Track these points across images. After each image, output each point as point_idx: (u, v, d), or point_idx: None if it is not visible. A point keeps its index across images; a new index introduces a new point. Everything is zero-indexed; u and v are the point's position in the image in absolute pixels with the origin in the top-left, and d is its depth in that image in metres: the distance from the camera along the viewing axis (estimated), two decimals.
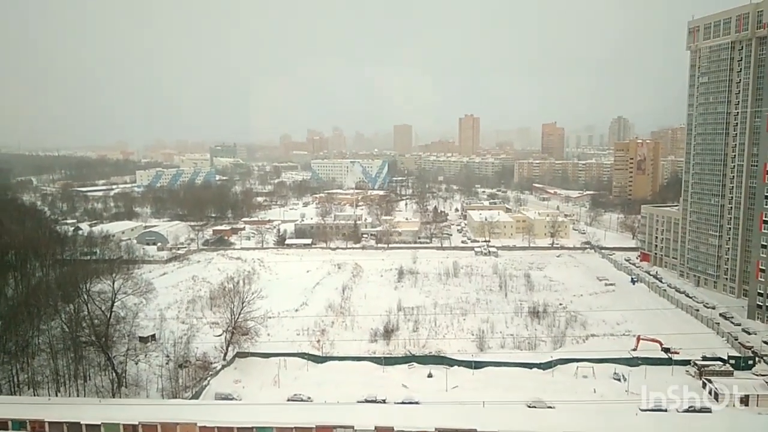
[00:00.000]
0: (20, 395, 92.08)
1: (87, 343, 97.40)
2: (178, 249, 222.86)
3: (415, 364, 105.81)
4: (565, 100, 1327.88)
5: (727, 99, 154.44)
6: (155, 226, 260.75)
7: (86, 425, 78.60)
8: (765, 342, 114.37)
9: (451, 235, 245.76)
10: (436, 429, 75.64)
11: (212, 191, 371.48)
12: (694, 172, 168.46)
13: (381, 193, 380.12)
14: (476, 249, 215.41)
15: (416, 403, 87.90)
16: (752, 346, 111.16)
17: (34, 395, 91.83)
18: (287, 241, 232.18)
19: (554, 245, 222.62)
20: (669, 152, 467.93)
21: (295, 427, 76.95)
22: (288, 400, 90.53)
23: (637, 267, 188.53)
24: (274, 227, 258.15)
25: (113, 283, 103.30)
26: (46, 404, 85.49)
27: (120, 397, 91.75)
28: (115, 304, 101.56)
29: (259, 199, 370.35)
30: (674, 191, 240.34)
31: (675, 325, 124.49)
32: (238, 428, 77.38)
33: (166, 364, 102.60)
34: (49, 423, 79.18)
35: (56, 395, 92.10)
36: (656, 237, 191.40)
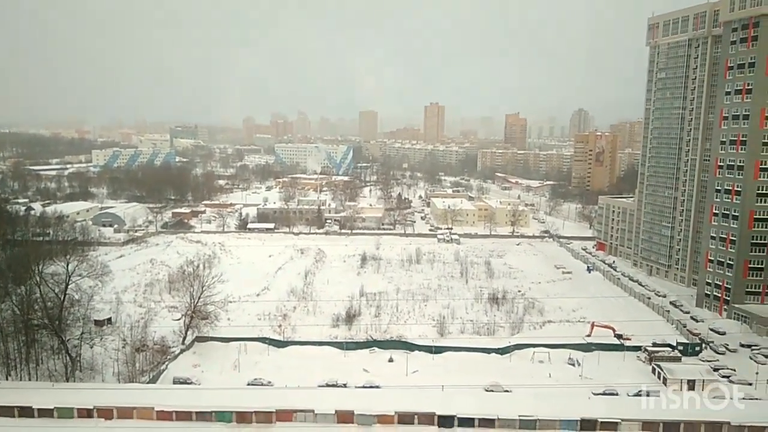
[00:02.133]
0: None
1: (39, 326, 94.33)
2: (136, 231, 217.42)
3: (376, 348, 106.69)
4: (529, 90, 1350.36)
5: (683, 95, 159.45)
6: (112, 207, 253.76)
7: (38, 409, 76.64)
8: (712, 329, 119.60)
9: (414, 222, 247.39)
10: (396, 412, 76.61)
11: (172, 173, 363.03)
12: (650, 164, 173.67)
13: (345, 178, 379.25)
14: (439, 236, 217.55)
15: (377, 387, 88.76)
16: (699, 333, 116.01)
17: None
18: (249, 226, 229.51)
19: (514, 233, 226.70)
20: (627, 145, 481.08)
21: (254, 411, 76.72)
22: (248, 384, 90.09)
23: (593, 256, 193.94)
24: (236, 211, 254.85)
25: (67, 265, 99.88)
26: None
27: (74, 381, 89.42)
28: (70, 286, 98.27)
29: (221, 182, 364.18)
30: (630, 183, 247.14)
31: (628, 312, 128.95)
32: (196, 412, 76.74)
33: (123, 348, 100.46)
34: (0, 407, 76.72)
35: (6, 379, 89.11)
36: (612, 227, 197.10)
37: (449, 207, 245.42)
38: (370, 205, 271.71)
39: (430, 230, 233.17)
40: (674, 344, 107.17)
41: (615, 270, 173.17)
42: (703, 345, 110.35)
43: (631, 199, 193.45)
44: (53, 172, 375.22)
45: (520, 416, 75.80)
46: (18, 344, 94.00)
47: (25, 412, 76.51)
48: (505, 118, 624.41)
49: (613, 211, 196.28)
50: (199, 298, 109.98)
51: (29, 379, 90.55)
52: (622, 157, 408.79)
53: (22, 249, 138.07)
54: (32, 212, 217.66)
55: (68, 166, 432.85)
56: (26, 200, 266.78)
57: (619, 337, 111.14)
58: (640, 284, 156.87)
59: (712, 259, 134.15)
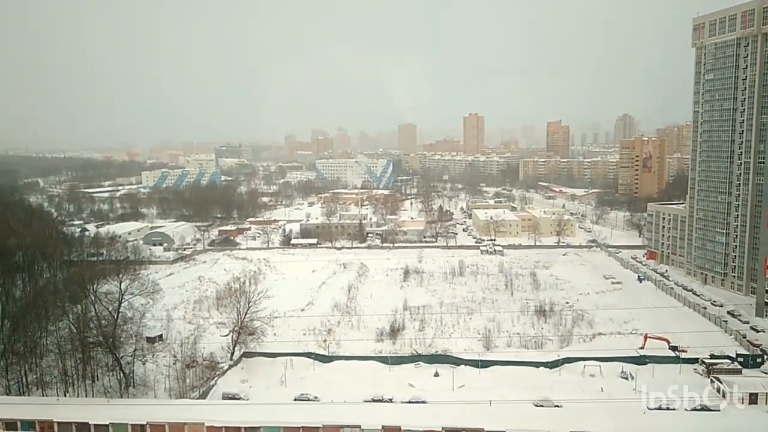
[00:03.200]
0: (29, 395, 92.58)
1: (95, 343, 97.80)
2: (184, 249, 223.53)
3: (421, 363, 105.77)
4: (571, 98, 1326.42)
5: (733, 96, 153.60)
6: (161, 226, 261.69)
7: (95, 425, 79.05)
8: None
9: (456, 234, 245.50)
10: (443, 428, 75.67)
11: (217, 192, 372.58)
12: (701, 169, 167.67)
13: (386, 192, 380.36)
14: (482, 248, 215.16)
15: (423, 402, 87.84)
16: (760, 344, 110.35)
17: (43, 395, 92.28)
18: (293, 241, 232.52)
19: (560, 243, 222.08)
20: (675, 149, 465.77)
21: (302, 427, 77.11)
22: (295, 399, 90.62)
23: (644, 265, 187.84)
24: (280, 227, 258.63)
25: (120, 284, 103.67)
26: (55, 404, 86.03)
27: (128, 397, 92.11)
28: (122, 304, 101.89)
29: (265, 199, 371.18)
30: (680, 189, 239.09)
31: (682, 323, 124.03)
32: (245, 428, 77.62)
33: (174, 364, 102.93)
34: (58, 423, 79.70)
35: (65, 395, 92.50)
36: (663, 235, 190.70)
37: (491, 218, 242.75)
38: (411, 218, 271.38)
39: (474, 242, 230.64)
40: (734, 356, 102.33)
41: (667, 279, 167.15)
42: (765, 356, 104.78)
43: (682, 205, 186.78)
44: (106, 194, 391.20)
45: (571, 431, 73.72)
46: (75, 361, 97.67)
47: (82, 428, 79.13)
48: (546, 126, 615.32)
49: (664, 219, 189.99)
50: (246, 314, 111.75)
51: (86, 395, 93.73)
52: (670, 162, 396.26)
53: (78, 269, 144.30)
54: (87, 233, 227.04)
55: (120, 188, 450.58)
56: (81, 222, 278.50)
57: (674, 349, 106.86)
58: (694, 294, 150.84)
59: None
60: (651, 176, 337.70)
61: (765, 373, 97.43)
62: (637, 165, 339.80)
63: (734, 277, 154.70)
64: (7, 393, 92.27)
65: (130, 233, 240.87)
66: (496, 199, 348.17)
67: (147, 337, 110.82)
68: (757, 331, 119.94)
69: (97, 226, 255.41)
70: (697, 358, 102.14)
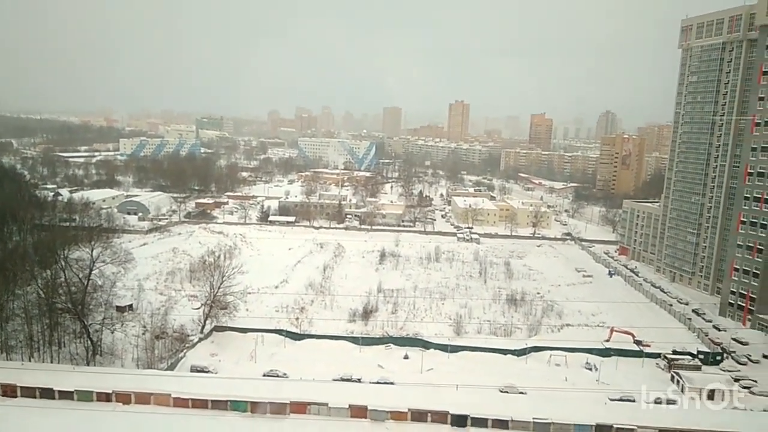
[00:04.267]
0: None
1: (63, 309, 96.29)
2: (160, 220, 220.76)
3: (392, 345, 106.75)
4: (555, 91, 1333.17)
5: (715, 99, 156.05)
6: (137, 195, 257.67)
7: (59, 391, 78.28)
8: (734, 339, 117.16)
9: (435, 219, 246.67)
10: (409, 409, 76.63)
11: (196, 163, 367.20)
12: (677, 169, 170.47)
13: (367, 174, 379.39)
14: (459, 235, 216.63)
15: (391, 383, 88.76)
16: (722, 343, 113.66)
17: (7, 359, 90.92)
18: (270, 218, 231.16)
19: (536, 235, 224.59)
20: (654, 149, 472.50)
21: (269, 402, 77.38)
22: (264, 375, 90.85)
23: (615, 260, 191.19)
24: (258, 203, 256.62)
25: (92, 251, 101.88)
26: (19, 369, 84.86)
27: (94, 365, 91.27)
28: (93, 272, 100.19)
29: (244, 174, 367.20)
30: (657, 188, 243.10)
31: (648, 318, 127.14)
32: (212, 400, 77.65)
33: (143, 334, 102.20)
34: (21, 387, 78.69)
35: (29, 360, 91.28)
36: (636, 232, 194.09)
37: (470, 206, 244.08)
38: (391, 201, 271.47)
39: (451, 229, 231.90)
40: (695, 353, 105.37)
41: (637, 275, 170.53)
42: (725, 355, 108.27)
43: (657, 204, 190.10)
44: (81, 159, 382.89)
45: (534, 419, 75.23)
46: (42, 327, 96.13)
47: (46, 393, 78.28)
48: (530, 119, 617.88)
49: (638, 216, 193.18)
50: (219, 288, 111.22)
51: (51, 362, 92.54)
52: (648, 161, 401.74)
53: (49, 234, 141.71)
54: (60, 198, 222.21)
55: (96, 153, 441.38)
56: (54, 186, 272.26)
57: (638, 343, 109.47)
58: (662, 291, 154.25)
59: (738, 267, 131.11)
60: (629, 173, 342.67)
61: (724, 370, 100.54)
62: (616, 162, 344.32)
63: (701, 276, 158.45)
64: None
65: (104, 200, 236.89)
66: (476, 188, 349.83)
67: (117, 306, 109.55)
68: (719, 330, 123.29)
69: (70, 191, 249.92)
70: (660, 353, 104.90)
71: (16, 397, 78.20)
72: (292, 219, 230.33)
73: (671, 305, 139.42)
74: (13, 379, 79.67)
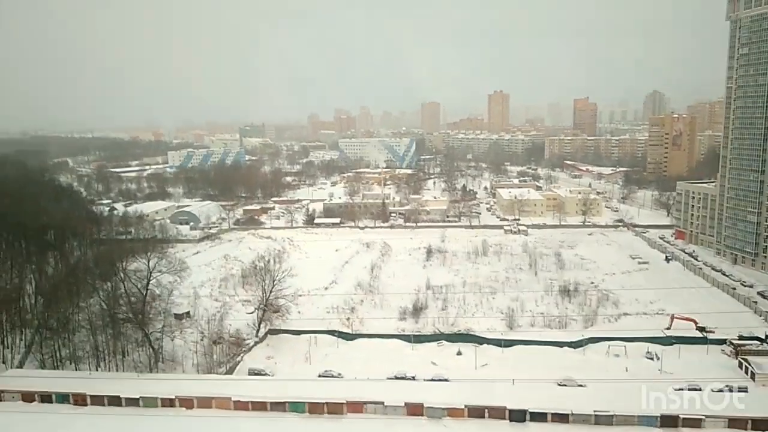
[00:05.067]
0: (63, 369, 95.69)
1: (124, 319, 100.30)
2: (210, 228, 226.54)
3: (444, 342, 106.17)
4: (599, 73, 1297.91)
5: None
6: (187, 206, 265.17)
7: (125, 398, 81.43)
8: None
9: (479, 213, 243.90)
10: (465, 405, 76.05)
11: (242, 171, 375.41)
12: (733, 147, 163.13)
13: (409, 171, 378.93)
14: (505, 227, 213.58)
15: (445, 380, 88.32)
16: None
17: (76, 370, 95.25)
18: (316, 221, 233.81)
19: (586, 223, 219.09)
20: (706, 127, 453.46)
21: (326, 402, 78.29)
22: (319, 376, 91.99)
23: (672, 245, 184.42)
24: (303, 207, 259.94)
25: (148, 262, 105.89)
26: (88, 378, 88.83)
27: (157, 372, 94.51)
28: (151, 282, 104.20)
29: (288, 178, 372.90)
30: (711, 167, 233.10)
31: (711, 304, 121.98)
32: (271, 402, 79.13)
33: (201, 340, 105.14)
34: (91, 396, 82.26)
35: (96, 370, 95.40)
36: (692, 214, 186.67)
37: (515, 197, 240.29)
38: (435, 197, 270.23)
39: (498, 222, 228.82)
40: (763, 337, 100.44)
41: (696, 259, 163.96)
42: None
43: (713, 184, 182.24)
44: (133, 174, 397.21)
45: (595, 411, 73.42)
46: (106, 337, 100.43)
47: (114, 401, 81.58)
48: (573, 104, 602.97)
49: (693, 198, 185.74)
50: (270, 291, 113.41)
51: (117, 370, 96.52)
52: (701, 140, 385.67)
53: (107, 247, 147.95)
54: (115, 212, 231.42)
55: (146, 167, 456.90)
56: (109, 201, 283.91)
57: (701, 329, 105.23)
58: (723, 274, 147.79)
59: None
60: (681, 154, 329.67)
61: None
62: (666, 143, 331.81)
63: (765, 257, 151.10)
64: (42, 367, 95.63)
65: (157, 212, 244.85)
66: (521, 178, 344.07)
67: (175, 314, 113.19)
68: None
69: (125, 206, 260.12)
70: (725, 339, 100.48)
71: (86, 405, 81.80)
72: (337, 220, 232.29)
73: (734, 289, 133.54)
74: (83, 388, 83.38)
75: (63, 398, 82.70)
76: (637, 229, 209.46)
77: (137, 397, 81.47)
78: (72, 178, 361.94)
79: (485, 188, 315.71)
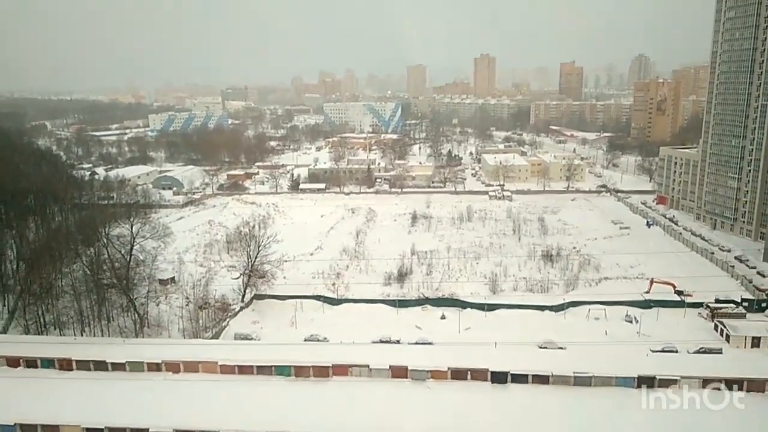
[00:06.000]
0: (47, 335, 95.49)
1: (109, 285, 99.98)
2: (194, 193, 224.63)
3: (428, 306, 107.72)
4: (585, 37, 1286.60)
5: (754, 35, 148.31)
6: (170, 170, 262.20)
7: (112, 363, 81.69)
8: None
9: (465, 179, 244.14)
10: (448, 368, 77.48)
11: (225, 135, 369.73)
12: (716, 112, 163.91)
13: (394, 136, 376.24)
14: (490, 193, 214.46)
15: (429, 343, 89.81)
16: (766, 289, 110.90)
17: (60, 335, 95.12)
18: (301, 186, 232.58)
19: (569, 189, 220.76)
20: (691, 92, 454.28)
21: (312, 366, 79.27)
22: (305, 340, 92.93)
23: (653, 210, 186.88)
24: (288, 172, 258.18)
25: (131, 227, 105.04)
26: (73, 343, 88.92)
27: (143, 337, 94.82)
28: (134, 247, 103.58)
29: (272, 143, 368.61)
30: (695, 133, 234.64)
31: (689, 268, 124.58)
32: (257, 366, 79.95)
33: (186, 305, 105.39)
34: (76, 361, 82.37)
35: (81, 335, 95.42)
36: (674, 180, 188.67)
37: (501, 163, 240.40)
38: (420, 163, 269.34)
39: (483, 188, 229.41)
40: (738, 300, 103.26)
41: (676, 224, 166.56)
42: None
43: (695, 149, 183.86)
44: (113, 137, 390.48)
45: (575, 373, 75.26)
46: (90, 302, 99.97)
47: (100, 365, 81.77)
48: (559, 68, 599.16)
49: (676, 163, 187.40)
50: (255, 257, 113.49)
51: (102, 335, 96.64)
52: (685, 105, 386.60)
53: (89, 212, 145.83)
54: (96, 177, 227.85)
55: (127, 131, 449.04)
56: (90, 165, 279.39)
57: (679, 293, 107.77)
58: (703, 239, 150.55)
59: None
60: (665, 119, 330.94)
61: None
62: (651, 108, 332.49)
63: (744, 222, 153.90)
64: (26, 332, 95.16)
65: (139, 177, 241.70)
66: (506, 144, 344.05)
67: (159, 280, 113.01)
68: (764, 276, 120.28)
69: (106, 170, 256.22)
70: (702, 303, 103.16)
71: (72, 370, 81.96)
72: (322, 186, 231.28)
73: (713, 253, 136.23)
74: (68, 354, 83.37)
75: (48, 363, 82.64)
76: (619, 194, 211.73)
77: (123, 361, 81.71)
78: (51, 142, 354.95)
79: (471, 154, 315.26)
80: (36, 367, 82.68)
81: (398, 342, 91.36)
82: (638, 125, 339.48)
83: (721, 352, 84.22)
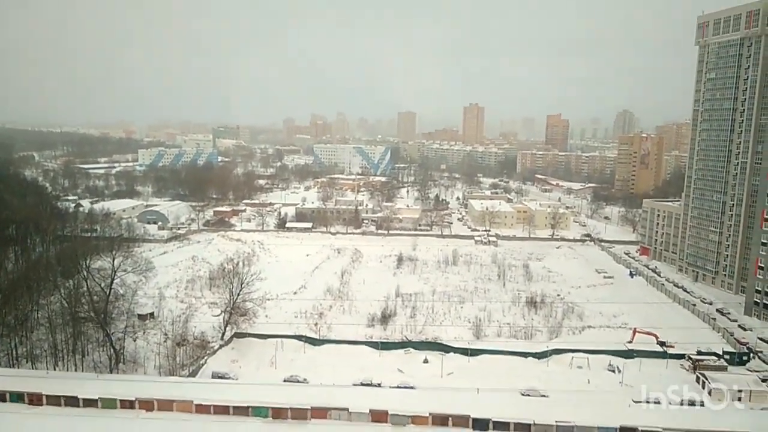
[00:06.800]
0: (18, 368, 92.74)
1: (86, 318, 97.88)
2: (179, 229, 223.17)
3: (411, 349, 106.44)
4: (572, 91, 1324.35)
5: (734, 96, 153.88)
6: (156, 205, 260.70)
7: (83, 399, 79.11)
8: (760, 338, 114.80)
9: (451, 223, 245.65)
10: (430, 413, 76.14)
11: (214, 172, 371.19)
12: (698, 167, 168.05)
13: (383, 179, 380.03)
14: (476, 238, 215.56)
15: (411, 387, 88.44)
16: (747, 342, 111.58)
17: (33, 368, 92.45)
18: (288, 225, 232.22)
19: (554, 236, 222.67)
20: (673, 147, 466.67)
21: (290, 408, 77.46)
22: (284, 381, 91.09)
23: (637, 261, 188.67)
24: (275, 210, 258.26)
25: (113, 261, 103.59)
26: (44, 377, 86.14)
27: (118, 373, 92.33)
28: (115, 281, 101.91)
29: (261, 181, 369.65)
30: (677, 186, 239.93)
31: (672, 319, 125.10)
32: (233, 407, 77.95)
33: (164, 342, 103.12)
34: (47, 396, 79.70)
35: (54, 369, 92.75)
36: (657, 231, 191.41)
37: (487, 209, 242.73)
38: (408, 206, 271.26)
39: (469, 232, 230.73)
40: (720, 353, 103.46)
41: (659, 275, 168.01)
42: (752, 354, 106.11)
43: (678, 203, 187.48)
44: (101, 171, 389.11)
45: (557, 422, 74.30)
46: (65, 336, 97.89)
47: (71, 401, 79.13)
48: (546, 120, 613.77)
49: (658, 215, 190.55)
50: (238, 294, 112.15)
51: (75, 370, 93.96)
52: (668, 160, 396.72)
53: (71, 244, 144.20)
54: (81, 209, 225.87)
55: (116, 165, 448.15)
56: (75, 197, 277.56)
57: (662, 344, 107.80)
58: (685, 290, 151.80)
59: (763, 265, 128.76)
60: (648, 173, 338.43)
61: (750, 371, 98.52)
62: (634, 161, 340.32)
63: (725, 275, 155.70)
64: None
65: (124, 210, 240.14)
66: (493, 190, 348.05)
67: (138, 315, 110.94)
68: (745, 330, 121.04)
69: (91, 203, 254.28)
70: (684, 354, 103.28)
71: (41, 405, 79.20)
72: (309, 225, 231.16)
73: (695, 305, 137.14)
74: (39, 388, 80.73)
75: (17, 397, 79.92)
76: (603, 244, 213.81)
77: (96, 397, 79.22)
78: (37, 173, 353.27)
79: (458, 199, 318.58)
80: (5, 401, 79.87)
81: (379, 385, 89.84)
82: (622, 177, 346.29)
83: (703, 405, 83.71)
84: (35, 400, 79.60)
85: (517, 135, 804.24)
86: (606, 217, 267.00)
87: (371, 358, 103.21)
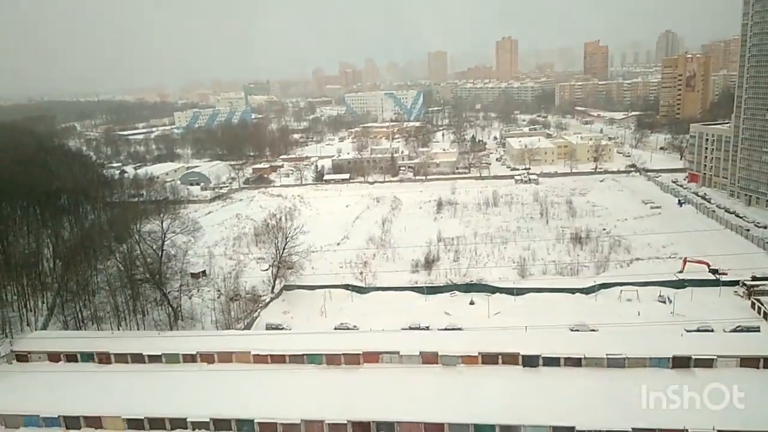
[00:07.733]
0: (85, 330, 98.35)
1: (142, 280, 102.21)
2: (221, 188, 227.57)
3: (456, 292, 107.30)
4: (609, 14, 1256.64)
5: None
6: (197, 166, 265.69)
7: (148, 355, 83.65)
8: None
9: (490, 164, 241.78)
10: (479, 353, 77.23)
11: (249, 130, 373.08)
12: (748, 86, 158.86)
13: (417, 124, 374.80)
14: (516, 177, 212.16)
15: (459, 329, 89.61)
16: None
17: (98, 330, 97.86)
18: (325, 177, 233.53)
19: (597, 170, 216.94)
20: (721, 66, 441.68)
21: (343, 354, 79.90)
22: (335, 329, 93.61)
23: (685, 188, 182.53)
24: (312, 163, 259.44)
25: (162, 223, 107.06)
26: (110, 338, 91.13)
27: (177, 330, 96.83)
28: (165, 243, 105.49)
29: (296, 136, 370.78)
30: (726, 108, 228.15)
31: (724, 246, 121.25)
32: (289, 355, 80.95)
33: (218, 298, 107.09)
34: (114, 354, 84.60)
35: (118, 329, 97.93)
36: (705, 156, 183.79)
37: (526, 146, 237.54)
38: (444, 149, 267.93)
39: (508, 172, 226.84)
40: None
41: (709, 202, 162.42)
42: None
43: (727, 125, 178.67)
44: (141, 136, 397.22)
45: (608, 354, 74.28)
46: (125, 297, 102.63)
47: (137, 358, 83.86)
48: (584, 47, 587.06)
49: (707, 140, 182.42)
50: (283, 249, 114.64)
51: (137, 329, 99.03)
52: (715, 80, 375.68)
53: (121, 210, 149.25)
54: (126, 175, 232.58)
55: (153, 129, 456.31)
56: (119, 164, 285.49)
57: (714, 272, 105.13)
58: (737, 216, 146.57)
59: None
60: (695, 96, 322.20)
61: None
62: (679, 84, 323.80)
63: None
64: (65, 328, 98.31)
65: (167, 174, 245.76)
66: (531, 127, 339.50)
67: (191, 273, 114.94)
68: None
69: (135, 168, 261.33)
70: (738, 281, 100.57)
71: (110, 363, 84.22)
72: (346, 176, 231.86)
73: (748, 230, 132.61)
74: (106, 348, 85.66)
75: (88, 357, 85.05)
76: (649, 173, 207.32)
77: (159, 354, 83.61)
78: (81, 143, 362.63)
79: (495, 138, 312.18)
80: (76, 361, 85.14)
81: (427, 328, 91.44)
82: (667, 103, 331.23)
83: (758, 330, 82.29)
84: (104, 359, 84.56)
85: (554, 66, 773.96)
86: (661, 147, 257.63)
87: (417, 303, 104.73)
